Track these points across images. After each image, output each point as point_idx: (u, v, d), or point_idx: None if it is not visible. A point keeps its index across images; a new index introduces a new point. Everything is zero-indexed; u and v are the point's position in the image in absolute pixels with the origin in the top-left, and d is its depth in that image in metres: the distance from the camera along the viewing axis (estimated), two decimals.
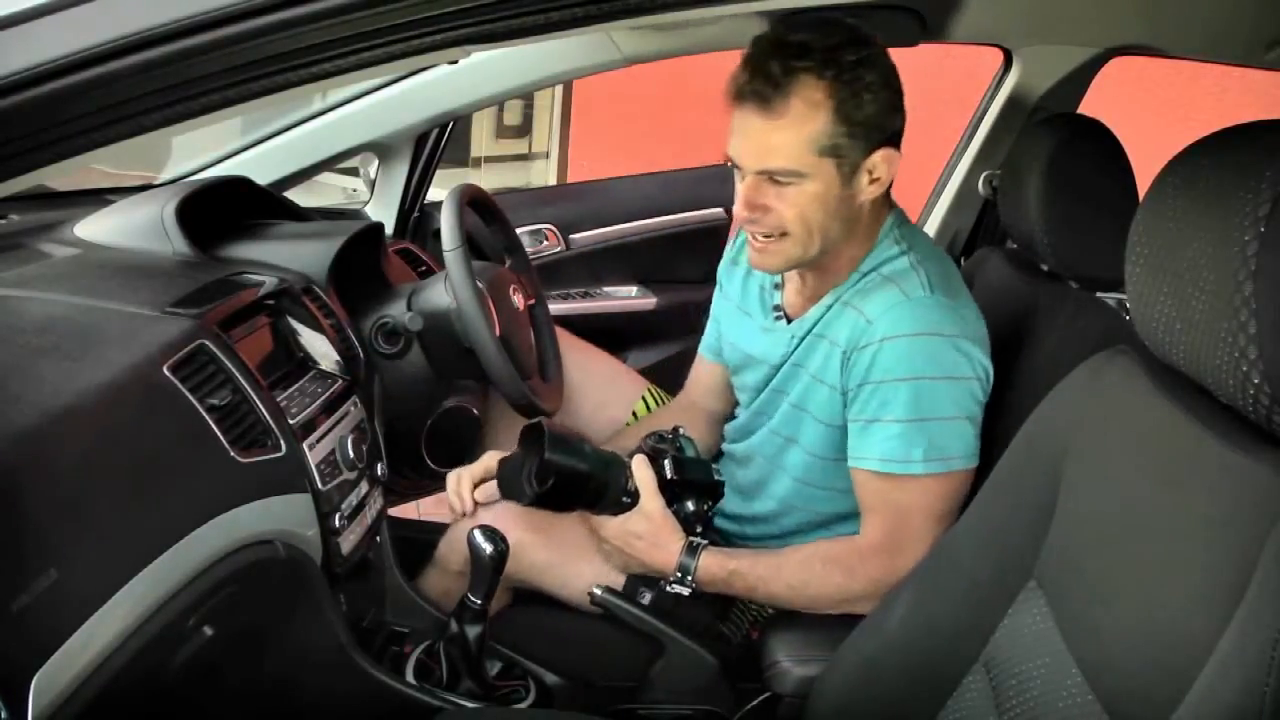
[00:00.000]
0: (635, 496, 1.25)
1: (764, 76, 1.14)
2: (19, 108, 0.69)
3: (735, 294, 1.43)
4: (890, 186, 1.25)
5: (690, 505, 1.27)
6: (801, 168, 1.16)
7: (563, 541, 1.38)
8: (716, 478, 1.30)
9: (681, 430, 1.32)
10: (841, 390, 1.23)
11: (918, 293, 1.19)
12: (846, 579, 1.21)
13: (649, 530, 1.24)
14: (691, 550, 1.24)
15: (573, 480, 1.22)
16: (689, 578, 1.24)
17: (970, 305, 1.25)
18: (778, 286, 1.36)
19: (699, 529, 1.28)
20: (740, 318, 1.41)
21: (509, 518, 1.33)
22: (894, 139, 1.19)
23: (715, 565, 1.24)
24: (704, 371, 1.54)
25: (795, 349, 1.29)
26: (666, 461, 1.26)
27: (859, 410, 1.21)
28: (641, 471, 1.25)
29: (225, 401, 1.11)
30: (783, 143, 1.15)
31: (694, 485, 1.28)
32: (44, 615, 0.81)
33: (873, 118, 1.16)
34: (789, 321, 1.33)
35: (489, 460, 1.36)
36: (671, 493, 1.26)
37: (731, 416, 1.49)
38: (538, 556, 1.39)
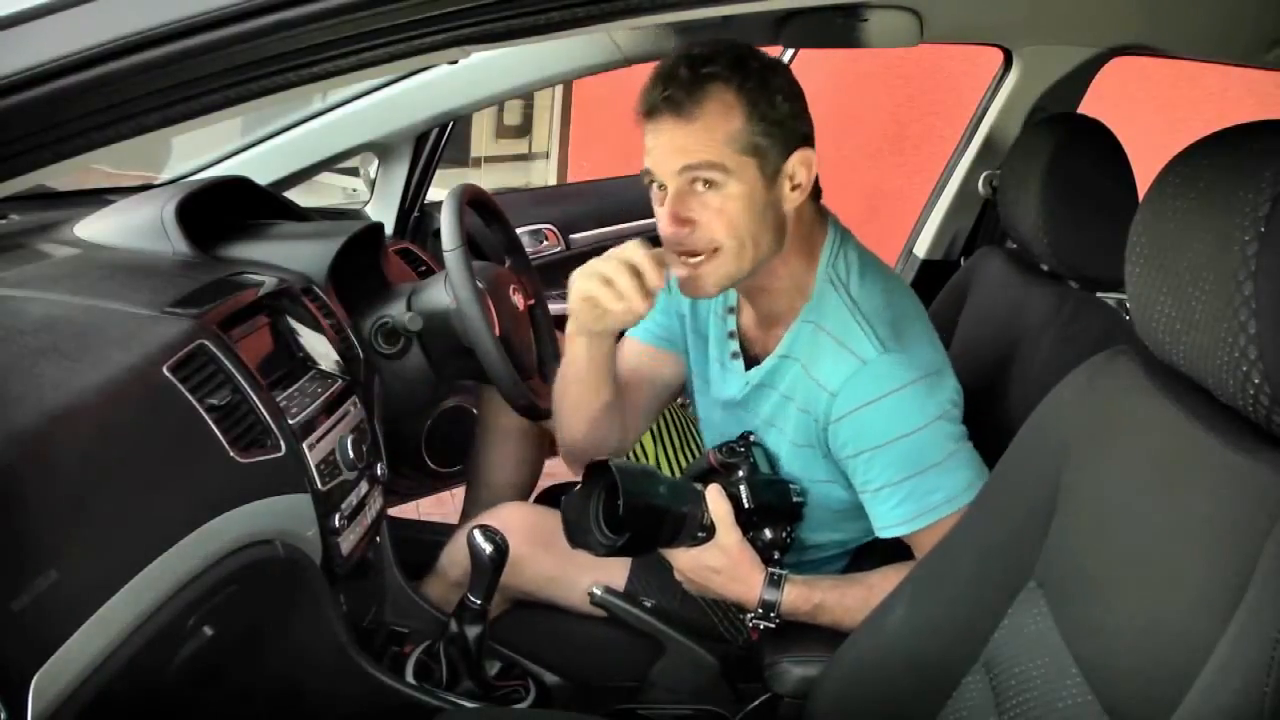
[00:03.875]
0: (711, 531, 1.17)
1: (676, 83, 1.14)
2: (19, 108, 0.68)
3: (690, 319, 1.38)
4: (819, 196, 1.23)
5: (768, 533, 1.21)
6: (724, 161, 1.14)
7: (565, 553, 1.37)
8: (795, 500, 1.23)
9: (753, 437, 1.27)
10: (824, 454, 1.22)
11: (870, 353, 1.17)
12: None
13: (726, 564, 1.18)
14: (775, 583, 1.19)
15: (649, 523, 1.13)
16: (774, 613, 1.20)
17: (920, 329, 1.23)
18: (731, 335, 1.32)
19: (777, 556, 1.22)
20: (697, 341, 1.38)
21: (509, 530, 1.32)
22: (808, 140, 1.19)
23: (800, 599, 1.20)
24: (634, 356, 1.43)
25: (750, 394, 1.27)
26: (743, 489, 1.19)
27: (863, 481, 1.20)
28: (718, 506, 1.17)
29: (225, 401, 1.11)
30: (702, 141, 1.14)
31: (772, 511, 1.21)
32: (44, 615, 0.81)
33: (786, 118, 1.16)
34: (746, 363, 1.29)
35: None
36: (749, 520, 1.19)
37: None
38: (539, 570, 1.38)
